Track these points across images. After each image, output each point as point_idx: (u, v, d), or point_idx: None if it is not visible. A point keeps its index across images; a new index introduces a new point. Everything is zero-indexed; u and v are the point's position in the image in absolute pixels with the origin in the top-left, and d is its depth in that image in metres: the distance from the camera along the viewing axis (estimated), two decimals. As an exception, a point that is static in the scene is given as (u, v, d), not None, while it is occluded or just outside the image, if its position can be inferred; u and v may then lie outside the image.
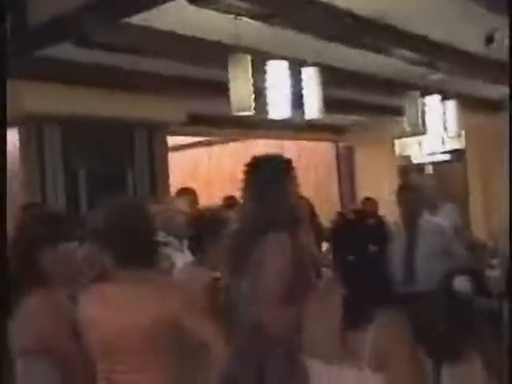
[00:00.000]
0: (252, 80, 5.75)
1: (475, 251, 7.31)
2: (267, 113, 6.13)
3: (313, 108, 6.30)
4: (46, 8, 5.50)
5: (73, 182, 8.15)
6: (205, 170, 14.62)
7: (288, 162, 4.12)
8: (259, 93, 5.96)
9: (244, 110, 5.78)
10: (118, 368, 3.05)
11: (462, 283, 4.75)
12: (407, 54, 7.13)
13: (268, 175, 3.95)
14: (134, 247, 3.37)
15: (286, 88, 5.99)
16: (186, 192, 7.96)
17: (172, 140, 10.79)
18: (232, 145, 13.95)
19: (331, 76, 7.45)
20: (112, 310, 3.04)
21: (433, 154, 12.13)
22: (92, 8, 5.11)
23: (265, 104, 6.06)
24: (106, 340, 3.03)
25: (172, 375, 3.06)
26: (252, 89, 5.75)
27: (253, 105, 5.76)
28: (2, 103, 3.77)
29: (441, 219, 7.07)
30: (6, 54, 3.61)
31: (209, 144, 14.07)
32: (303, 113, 6.41)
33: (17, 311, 3.29)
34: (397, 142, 12.21)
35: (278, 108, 6.02)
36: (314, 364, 2.94)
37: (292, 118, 6.39)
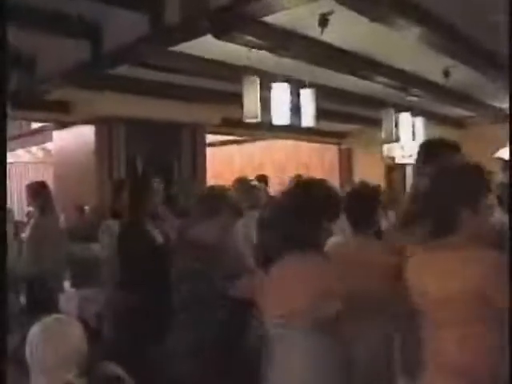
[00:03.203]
0: (260, 96, 5.83)
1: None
2: (270, 120, 6.17)
3: (308, 118, 6.38)
4: (116, 37, 5.69)
5: (133, 167, 8.53)
6: (238, 162, 14.73)
7: None
8: (266, 105, 6.05)
9: (252, 118, 5.85)
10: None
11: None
12: (385, 80, 7.26)
13: None
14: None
15: (286, 102, 6.05)
16: (263, 177, 8.37)
17: (211, 138, 11.15)
18: (258, 143, 14.07)
19: (326, 93, 7.66)
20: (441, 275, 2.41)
21: (412, 156, 12.22)
22: (147, 39, 5.28)
23: (269, 114, 6.12)
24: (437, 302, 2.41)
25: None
26: (259, 102, 5.81)
27: (259, 114, 5.81)
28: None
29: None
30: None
31: (240, 142, 14.14)
32: (300, 122, 6.45)
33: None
34: (385, 145, 12.27)
35: (280, 117, 6.09)
36: None
37: (290, 125, 6.46)
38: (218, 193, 3.95)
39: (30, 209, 7.41)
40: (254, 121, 5.94)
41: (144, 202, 4.75)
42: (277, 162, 13.98)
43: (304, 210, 2.83)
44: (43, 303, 5.89)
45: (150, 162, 8.58)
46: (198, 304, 3.49)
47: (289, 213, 2.86)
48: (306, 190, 2.98)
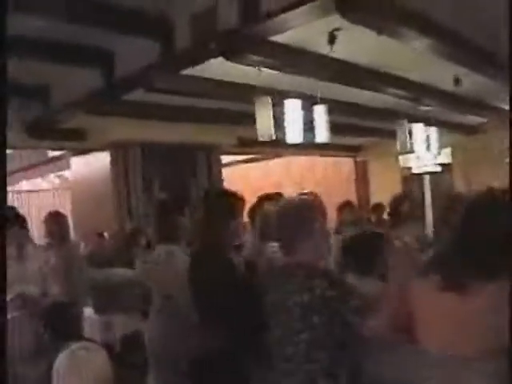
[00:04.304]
0: (272, 115, 5.84)
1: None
2: (284, 138, 6.11)
3: (322, 134, 6.32)
4: (128, 63, 5.77)
5: (150, 189, 8.61)
6: (254, 181, 14.57)
7: None
8: (279, 123, 6.04)
9: (266, 137, 5.86)
10: None
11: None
12: (396, 91, 7.26)
13: None
14: None
15: (299, 119, 6.03)
16: (277, 195, 8.23)
17: (227, 158, 11.21)
18: (275, 160, 14.09)
19: (340, 108, 7.75)
20: None
21: (428, 166, 12.23)
22: (158, 65, 5.38)
23: (284, 132, 6.08)
24: None
25: None
26: (272, 122, 5.82)
27: (273, 133, 5.82)
28: None
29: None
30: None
31: (257, 160, 14.13)
32: (314, 138, 6.39)
33: None
34: (400, 156, 12.25)
35: (294, 135, 6.05)
36: None
37: (305, 143, 6.40)
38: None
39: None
40: (268, 139, 5.95)
41: (223, 221, 3.95)
42: (294, 179, 14.00)
43: None
44: (68, 330, 5.92)
45: (167, 185, 8.60)
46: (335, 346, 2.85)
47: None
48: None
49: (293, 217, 3.05)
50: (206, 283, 3.80)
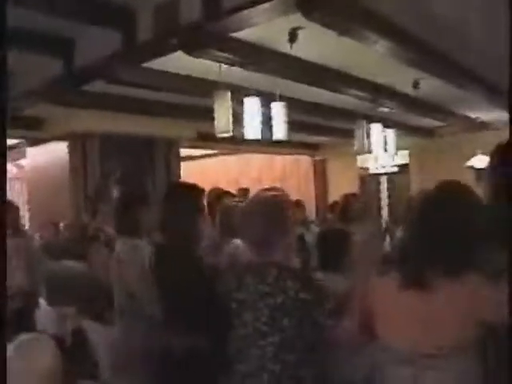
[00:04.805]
0: (231, 111, 5.80)
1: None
2: (243, 134, 6.12)
3: (280, 132, 6.31)
4: (88, 53, 5.72)
5: (107, 181, 8.49)
6: (213, 175, 14.68)
7: None
8: (238, 119, 6.03)
9: (224, 133, 5.85)
10: None
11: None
12: (356, 92, 7.35)
13: None
14: None
15: (257, 116, 6.03)
16: (245, 190, 8.32)
17: (186, 152, 11.17)
18: (235, 157, 14.11)
19: (299, 106, 7.80)
20: None
21: (385, 166, 12.40)
22: (119, 56, 5.35)
23: (242, 128, 6.08)
24: None
25: None
26: (231, 117, 5.80)
27: (231, 128, 5.80)
28: None
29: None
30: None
31: (216, 155, 14.13)
32: (272, 135, 6.37)
33: None
34: (358, 156, 12.36)
35: (252, 132, 6.06)
36: None
37: (263, 139, 6.42)
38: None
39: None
40: (226, 135, 5.94)
41: (189, 216, 3.76)
42: (252, 175, 14.02)
43: None
44: (19, 321, 5.86)
45: (125, 178, 8.54)
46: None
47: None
48: None
49: (265, 215, 2.89)
50: (172, 281, 3.61)
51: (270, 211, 2.88)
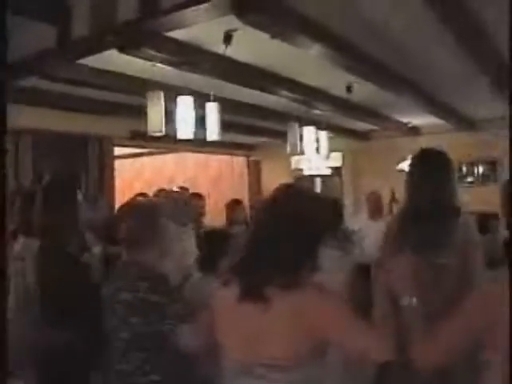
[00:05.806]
0: (164, 110, 5.86)
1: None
2: (175, 134, 6.12)
3: (213, 132, 6.33)
4: (21, 48, 5.47)
5: (39, 179, 8.33)
6: (148, 174, 14.60)
7: None
8: (171, 118, 6.06)
9: (156, 132, 5.86)
10: None
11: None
12: (289, 94, 7.44)
13: None
14: None
15: (191, 116, 6.02)
16: (198, 196, 7.84)
17: (122, 150, 11.09)
18: (170, 156, 14.10)
19: (233, 107, 7.89)
20: None
21: (318, 168, 12.56)
22: (53, 51, 5.25)
23: (174, 127, 6.08)
24: None
25: None
26: (163, 117, 5.83)
27: (164, 128, 5.82)
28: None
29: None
30: None
31: (151, 154, 14.09)
32: (205, 135, 6.39)
33: None
34: (292, 158, 12.46)
35: (184, 131, 6.04)
36: None
37: (196, 139, 6.44)
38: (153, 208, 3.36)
39: None
40: (158, 134, 5.95)
41: (70, 218, 3.91)
42: (187, 175, 14.02)
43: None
44: None
45: (57, 175, 8.38)
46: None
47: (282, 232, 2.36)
48: None
49: (134, 218, 3.19)
50: (48, 279, 3.73)
51: (139, 215, 3.19)
